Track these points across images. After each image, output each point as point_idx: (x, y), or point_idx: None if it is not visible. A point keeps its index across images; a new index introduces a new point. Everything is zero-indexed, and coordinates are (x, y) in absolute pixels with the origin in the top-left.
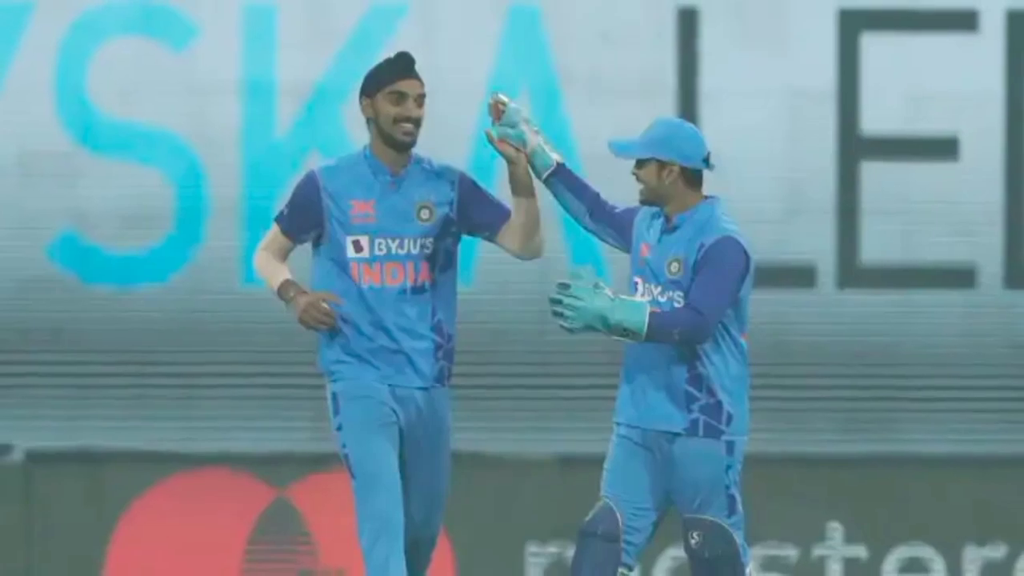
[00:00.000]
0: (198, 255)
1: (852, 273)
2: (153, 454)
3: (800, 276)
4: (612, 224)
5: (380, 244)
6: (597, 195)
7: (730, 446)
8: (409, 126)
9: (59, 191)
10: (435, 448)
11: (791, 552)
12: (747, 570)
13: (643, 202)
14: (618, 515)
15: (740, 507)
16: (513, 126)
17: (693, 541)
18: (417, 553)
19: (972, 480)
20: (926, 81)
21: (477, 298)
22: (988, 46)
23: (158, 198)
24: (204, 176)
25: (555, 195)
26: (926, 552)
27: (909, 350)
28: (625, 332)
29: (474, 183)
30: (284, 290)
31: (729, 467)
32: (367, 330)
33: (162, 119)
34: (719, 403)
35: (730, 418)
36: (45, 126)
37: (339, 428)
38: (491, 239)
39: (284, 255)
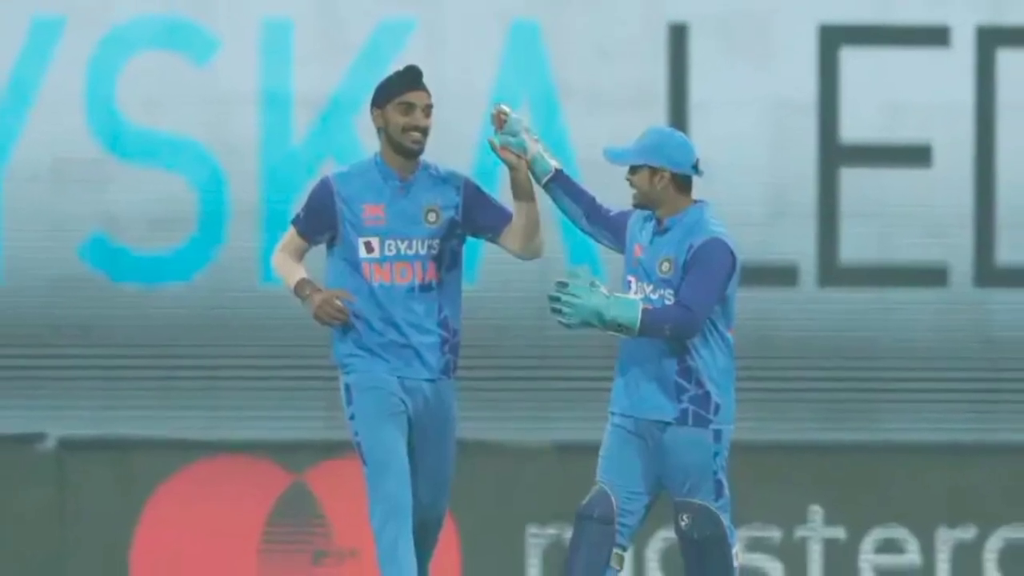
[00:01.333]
0: (220, 255)
1: (832, 272)
2: (178, 441)
3: (783, 275)
4: (607, 226)
5: (390, 245)
6: (593, 199)
7: (717, 434)
8: (417, 135)
9: (89, 196)
10: (441, 436)
11: (775, 533)
12: (733, 550)
13: (636, 206)
14: (613, 499)
15: (727, 491)
16: (515, 135)
17: (683, 523)
18: (425, 534)
19: (945, 466)
20: (901, 92)
21: (481, 296)
22: (959, 60)
23: (182, 202)
24: (225, 182)
25: (554, 199)
26: (901, 533)
27: (886, 345)
28: (619, 327)
29: (478, 188)
30: (300, 288)
31: (717, 454)
32: (378, 325)
33: (186, 128)
34: (707, 394)
35: (717, 408)
36: (76, 135)
37: (352, 417)
38: (494, 240)
39: (300, 255)
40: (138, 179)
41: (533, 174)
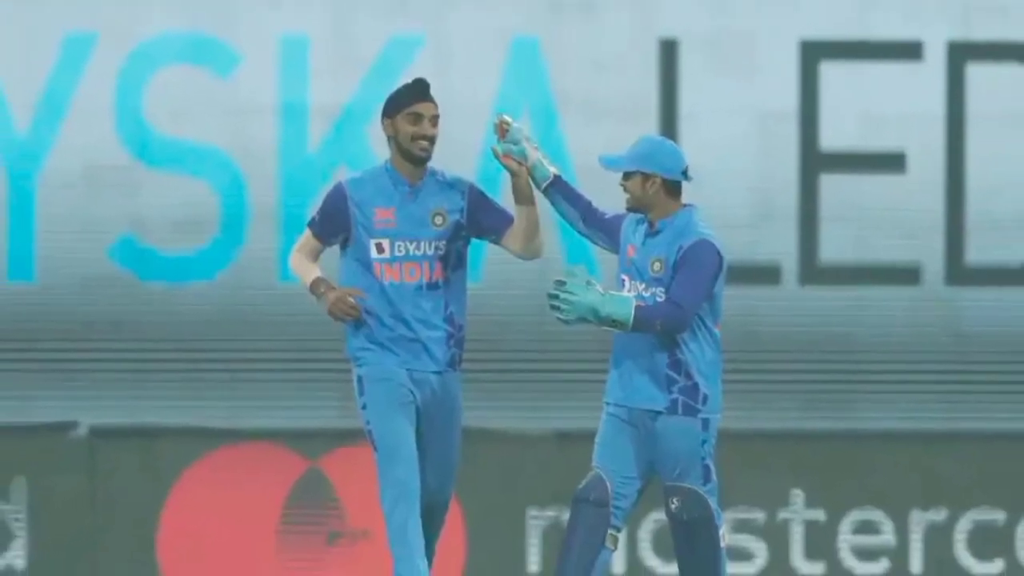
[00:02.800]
0: (241, 256)
1: (812, 272)
2: (201, 430)
3: (767, 274)
4: (603, 229)
5: (399, 246)
6: (589, 203)
7: (705, 423)
8: (425, 143)
9: (119, 200)
10: (448, 424)
11: (759, 516)
12: (720, 532)
13: (629, 209)
14: (608, 483)
15: (714, 476)
16: (516, 143)
17: (673, 506)
18: (432, 516)
19: (918, 453)
20: (877, 104)
21: (484, 293)
22: (931, 73)
23: (206, 206)
24: (246, 187)
25: (553, 204)
26: (877, 516)
27: (862, 339)
28: (614, 323)
29: (482, 193)
30: (316, 286)
31: (705, 441)
32: (388, 321)
33: (209, 137)
34: (696, 385)
35: (705, 398)
36: (107, 143)
37: (364, 407)
38: (497, 242)
39: (316, 256)
40: (164, 184)
41: (533, 180)
